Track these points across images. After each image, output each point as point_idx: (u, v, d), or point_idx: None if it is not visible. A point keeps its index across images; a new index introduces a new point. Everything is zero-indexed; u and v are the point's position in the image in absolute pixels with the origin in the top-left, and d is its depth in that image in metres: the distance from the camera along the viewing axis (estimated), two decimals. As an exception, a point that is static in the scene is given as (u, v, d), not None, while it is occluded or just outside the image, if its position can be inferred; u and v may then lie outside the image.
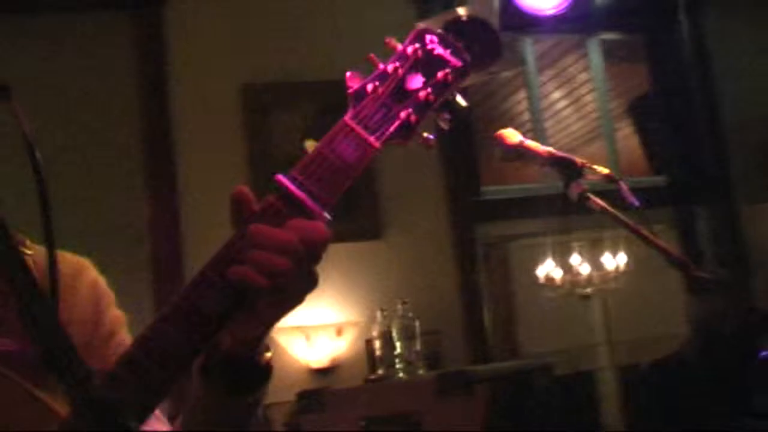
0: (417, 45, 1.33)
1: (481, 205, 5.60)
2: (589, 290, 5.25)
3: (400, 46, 1.34)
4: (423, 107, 1.31)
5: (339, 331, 5.05)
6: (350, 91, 1.28)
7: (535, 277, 5.28)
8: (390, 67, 1.31)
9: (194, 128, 5.22)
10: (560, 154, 2.57)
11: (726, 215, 6.00)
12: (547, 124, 7.76)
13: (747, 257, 5.90)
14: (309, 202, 1.19)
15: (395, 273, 5.29)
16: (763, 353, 4.36)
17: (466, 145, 5.63)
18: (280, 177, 1.18)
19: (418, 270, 5.32)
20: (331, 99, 5.38)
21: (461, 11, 5.02)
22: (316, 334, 4.98)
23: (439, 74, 1.32)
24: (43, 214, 1.10)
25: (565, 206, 5.62)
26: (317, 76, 5.37)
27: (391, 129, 1.29)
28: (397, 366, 4.39)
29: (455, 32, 4.17)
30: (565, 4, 4.56)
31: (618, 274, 5.33)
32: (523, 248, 5.64)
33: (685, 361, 5.00)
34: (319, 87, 5.36)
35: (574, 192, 2.51)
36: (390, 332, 4.41)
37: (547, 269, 5.28)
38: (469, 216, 5.53)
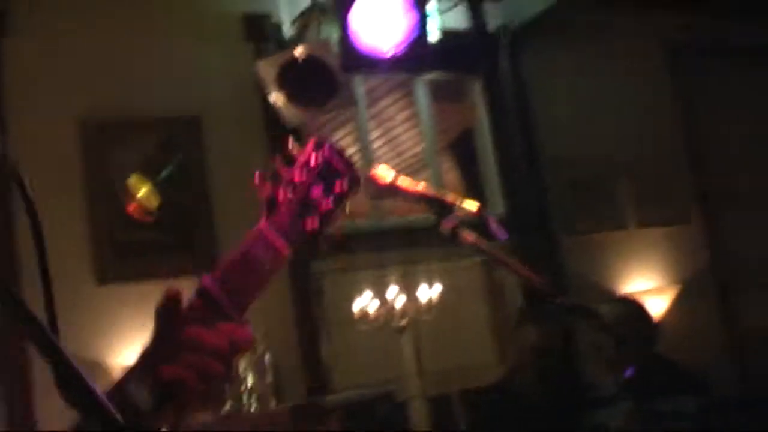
0: (319, 155, 1.45)
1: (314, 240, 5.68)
2: (403, 323, 5.40)
3: (300, 154, 1.45)
4: (325, 217, 1.43)
5: (181, 367, 5.04)
6: (263, 196, 1.39)
7: (355, 311, 5.41)
8: (297, 176, 1.42)
9: (30, 164, 5.11)
10: (431, 192, 2.67)
11: (546, 246, 6.29)
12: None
13: (566, 286, 6.19)
14: (229, 306, 1.28)
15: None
16: (628, 371, 4.60)
17: (300, 181, 5.74)
18: (206, 280, 1.28)
19: (256, 303, 5.37)
20: (168, 135, 5.42)
21: (299, 51, 5.17)
22: (157, 370, 4.97)
23: (337, 185, 1.44)
24: (36, 246, 1.15)
25: (391, 240, 5.81)
26: (155, 113, 5.40)
27: (301, 239, 1.40)
28: (246, 400, 4.43)
29: (293, 71, 4.33)
30: (403, 47, 4.73)
31: (431, 306, 5.50)
32: (351, 282, 5.75)
33: (511, 388, 5.19)
34: (157, 123, 5.39)
35: (445, 227, 2.60)
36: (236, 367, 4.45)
37: (364, 302, 5.42)
38: (304, 250, 5.61)
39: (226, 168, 5.50)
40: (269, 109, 5.37)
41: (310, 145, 1.47)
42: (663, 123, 7.17)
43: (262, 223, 1.39)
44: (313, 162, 1.44)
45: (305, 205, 1.42)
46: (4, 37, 5.17)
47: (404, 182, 2.68)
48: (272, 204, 1.41)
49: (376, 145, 8.21)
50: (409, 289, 5.51)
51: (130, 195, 5.21)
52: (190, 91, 5.56)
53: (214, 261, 5.35)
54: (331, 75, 4.86)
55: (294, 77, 4.92)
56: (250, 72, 5.54)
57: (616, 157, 6.81)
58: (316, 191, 1.43)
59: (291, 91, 4.96)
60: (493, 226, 2.69)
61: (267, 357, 4.56)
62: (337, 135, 8.18)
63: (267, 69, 5.05)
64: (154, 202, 5.24)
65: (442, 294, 5.45)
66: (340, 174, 1.45)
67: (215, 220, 5.41)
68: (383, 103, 7.51)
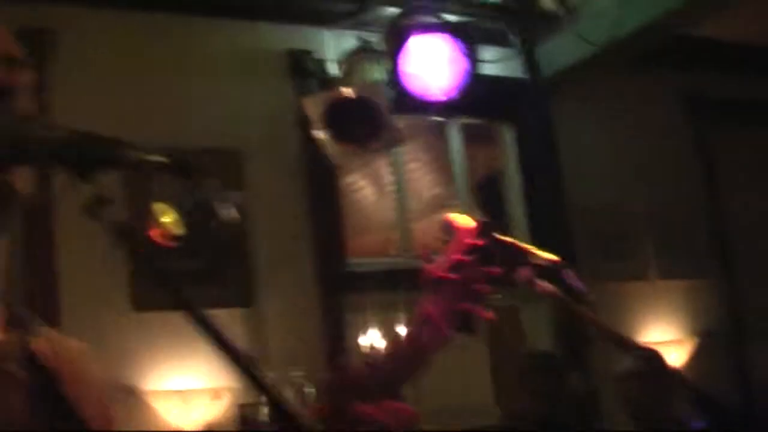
0: (483, 239, 1.50)
1: (347, 276, 5.74)
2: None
3: (467, 237, 1.50)
4: (478, 299, 1.48)
5: (215, 396, 5.08)
6: (430, 277, 1.44)
7: (363, 346, 5.48)
8: (462, 259, 1.47)
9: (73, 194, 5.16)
10: (507, 239, 2.70)
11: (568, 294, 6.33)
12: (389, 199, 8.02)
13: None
14: (394, 382, 1.34)
15: (266, 340, 5.36)
16: (695, 424, 4.63)
17: (333, 218, 5.81)
18: (376, 358, 1.34)
19: (288, 338, 5.42)
20: (207, 167, 5.46)
21: (347, 91, 5.23)
22: (191, 398, 5.01)
23: (493, 269, 1.50)
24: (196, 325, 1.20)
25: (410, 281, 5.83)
26: (196, 144, 5.44)
27: (461, 323, 1.46)
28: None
29: (340, 110, 4.40)
30: (453, 92, 4.81)
31: None
32: (380, 319, 5.79)
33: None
34: (198, 155, 5.43)
35: (521, 276, 2.62)
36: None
37: (372, 339, 5.48)
38: (335, 286, 5.66)
39: (264, 202, 5.56)
40: (309, 144, 5.44)
41: (475, 228, 1.51)
42: (685, 178, 7.27)
43: (429, 306, 1.43)
44: (479, 245, 1.49)
45: (465, 287, 1.47)
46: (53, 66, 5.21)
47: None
48: (439, 285, 1.46)
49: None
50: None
51: (153, 220, 5.25)
52: (231, 124, 5.63)
53: (248, 294, 5.42)
54: (378, 116, 4.93)
55: (341, 116, 4.99)
56: (292, 107, 5.62)
57: (640, 209, 6.90)
58: (476, 274, 1.47)
59: (337, 129, 5.03)
60: (572, 278, 2.72)
61: (308, 391, 4.60)
62: (359, 174, 8.25)
63: (313, 106, 5.12)
64: (177, 229, 5.27)
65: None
66: (495, 258, 1.51)
67: (251, 253, 5.47)
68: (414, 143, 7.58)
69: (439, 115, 6.01)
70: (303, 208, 5.69)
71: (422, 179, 8.35)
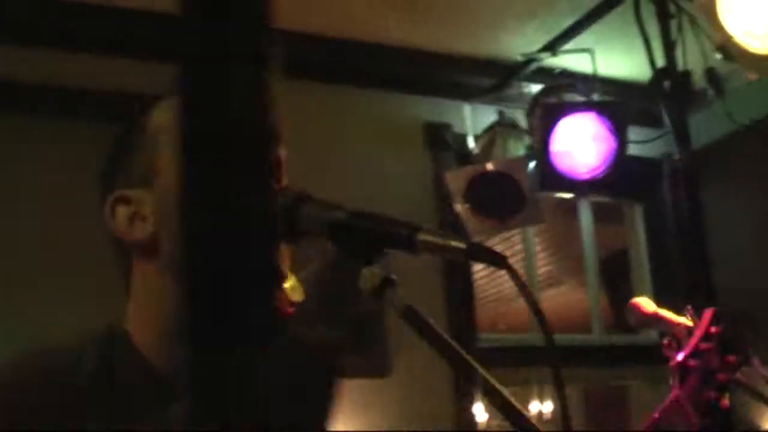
0: (718, 326, 1.48)
1: (478, 352, 5.71)
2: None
3: (698, 323, 1.48)
4: (720, 389, 1.45)
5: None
6: (674, 363, 1.42)
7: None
8: (703, 345, 1.44)
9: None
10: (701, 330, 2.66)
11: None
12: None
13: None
14: None
15: (399, 410, 5.35)
16: None
17: (466, 295, 5.78)
18: None
19: (419, 408, 5.40)
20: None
21: (489, 165, 5.21)
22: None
23: (731, 357, 1.46)
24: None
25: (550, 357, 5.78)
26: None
27: (705, 408, 1.43)
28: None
29: (482, 185, 4.34)
30: (599, 171, 4.77)
31: (543, 421, 5.49)
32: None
33: None
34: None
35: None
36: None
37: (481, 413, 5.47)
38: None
39: (399, 273, 5.54)
40: (445, 216, 5.43)
41: (709, 314, 1.50)
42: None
43: (676, 391, 1.41)
44: (713, 331, 1.47)
45: (708, 374, 1.44)
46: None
47: (667, 314, 2.68)
48: (685, 372, 1.44)
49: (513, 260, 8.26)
50: (525, 402, 5.52)
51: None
52: (366, 193, 5.63)
53: (386, 364, 5.40)
54: (519, 192, 4.91)
55: (481, 190, 4.98)
56: (428, 179, 5.63)
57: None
58: (716, 361, 1.45)
59: (477, 204, 5.02)
60: (758, 366, 2.67)
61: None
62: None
63: (454, 179, 5.12)
64: (297, 296, 5.29)
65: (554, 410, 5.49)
66: (738, 347, 1.48)
67: (389, 323, 5.46)
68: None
69: (574, 193, 5.96)
70: (437, 281, 5.67)
71: (536, 255, 8.31)
